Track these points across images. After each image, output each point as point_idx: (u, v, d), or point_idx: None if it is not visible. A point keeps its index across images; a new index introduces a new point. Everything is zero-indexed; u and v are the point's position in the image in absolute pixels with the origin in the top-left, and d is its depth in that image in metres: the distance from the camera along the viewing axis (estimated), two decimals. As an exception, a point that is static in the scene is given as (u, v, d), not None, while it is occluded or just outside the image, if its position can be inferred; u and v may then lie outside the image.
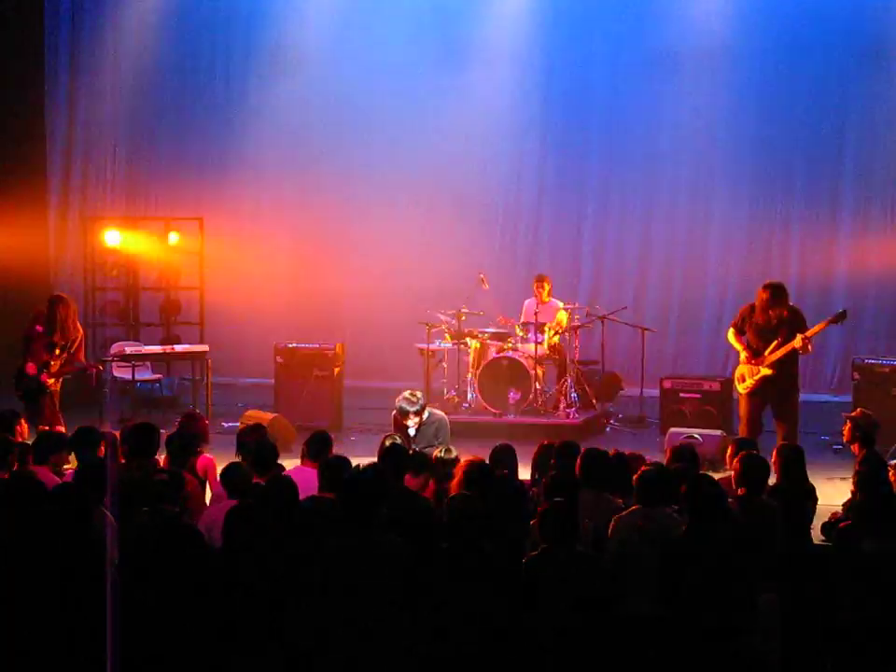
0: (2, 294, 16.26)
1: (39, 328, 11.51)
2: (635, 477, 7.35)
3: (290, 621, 6.37)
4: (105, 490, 7.40)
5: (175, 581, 6.30)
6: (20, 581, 6.04)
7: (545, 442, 8.66)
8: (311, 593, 6.37)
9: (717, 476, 7.88)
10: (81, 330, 11.80)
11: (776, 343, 10.87)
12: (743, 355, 11.11)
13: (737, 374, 11.23)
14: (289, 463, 8.90)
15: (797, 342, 10.80)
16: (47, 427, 10.44)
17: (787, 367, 10.96)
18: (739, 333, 11.21)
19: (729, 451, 8.64)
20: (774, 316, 10.93)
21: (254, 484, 7.51)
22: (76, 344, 11.60)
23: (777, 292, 10.96)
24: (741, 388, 11.13)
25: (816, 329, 10.99)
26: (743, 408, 11.16)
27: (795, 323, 10.94)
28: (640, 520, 7.10)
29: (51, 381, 11.49)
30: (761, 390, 10.99)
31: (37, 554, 6.08)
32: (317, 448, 8.42)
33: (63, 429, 10.41)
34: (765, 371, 10.91)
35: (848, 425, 9.27)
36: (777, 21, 16.36)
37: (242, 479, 7.67)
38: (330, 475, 7.48)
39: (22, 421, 9.52)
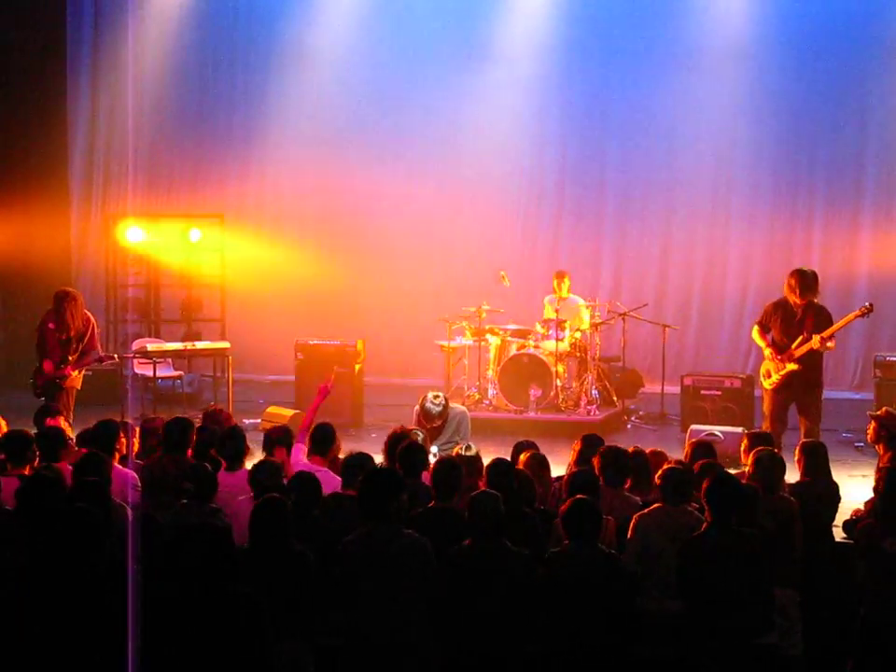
0: (25, 291, 16.32)
1: (51, 325, 11.55)
2: (657, 475, 7.35)
3: (318, 616, 6.40)
4: (104, 480, 7.42)
5: (202, 577, 6.32)
6: (39, 579, 6.05)
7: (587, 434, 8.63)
8: (335, 588, 6.39)
9: (734, 472, 7.86)
10: (92, 319, 11.81)
11: (802, 337, 10.78)
12: (767, 352, 11.03)
13: (763, 370, 11.14)
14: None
15: (814, 342, 10.70)
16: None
17: (812, 363, 10.88)
18: (764, 331, 11.14)
19: (743, 445, 8.60)
20: (800, 307, 10.84)
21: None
22: (87, 334, 11.62)
23: (807, 279, 10.87)
24: (766, 384, 11.05)
25: (842, 322, 10.87)
26: (767, 404, 11.08)
27: (820, 318, 10.85)
28: (662, 518, 7.09)
29: (74, 373, 11.53)
30: (786, 386, 10.91)
31: (57, 553, 6.08)
32: (321, 444, 8.44)
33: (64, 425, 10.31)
34: (791, 367, 10.81)
35: (873, 424, 9.17)
36: (797, 18, 16.29)
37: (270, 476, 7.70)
38: (353, 473, 7.49)
39: (61, 418, 9.60)
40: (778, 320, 10.97)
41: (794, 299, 10.86)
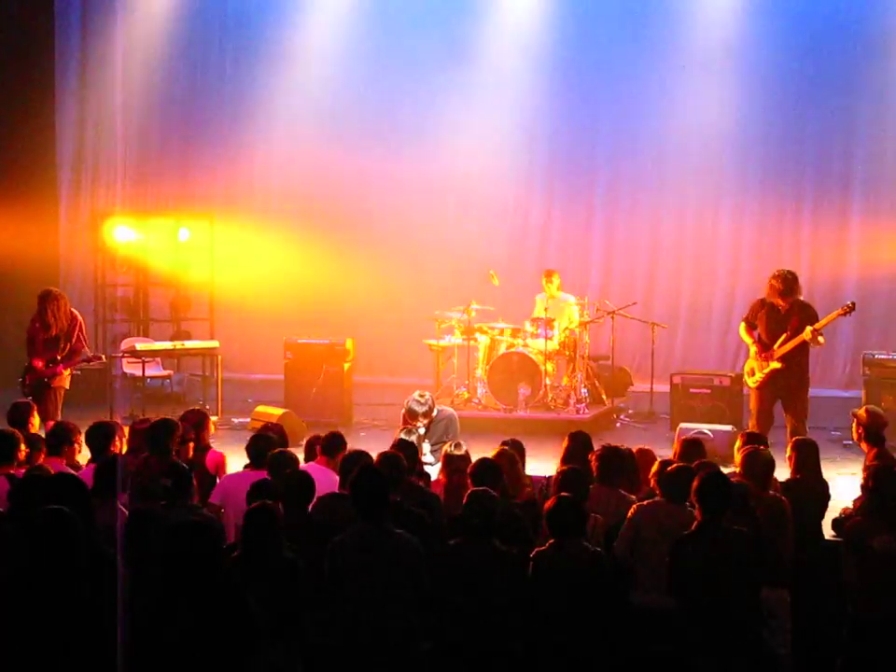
0: (13, 290, 16.26)
1: (38, 325, 11.55)
2: (655, 471, 7.36)
3: (308, 615, 6.39)
4: (118, 484, 7.43)
5: (191, 575, 6.31)
6: (25, 581, 6.03)
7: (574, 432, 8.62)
8: (326, 587, 6.39)
9: (725, 471, 7.86)
10: (79, 317, 11.78)
11: (785, 336, 10.85)
12: (753, 349, 11.09)
13: (747, 368, 11.22)
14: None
15: (806, 333, 10.76)
16: (51, 422, 10.43)
17: (797, 360, 10.93)
18: (751, 328, 11.19)
19: (738, 444, 8.61)
20: (784, 306, 10.90)
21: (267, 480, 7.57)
22: (75, 333, 11.60)
23: (788, 280, 10.92)
24: (751, 382, 11.12)
25: (825, 320, 10.94)
26: (753, 402, 11.15)
27: (805, 315, 10.91)
28: (660, 513, 7.10)
29: (66, 372, 11.51)
30: (770, 384, 10.96)
31: (42, 552, 6.07)
32: (333, 451, 8.47)
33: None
34: (775, 365, 10.88)
35: (855, 422, 9.20)
36: (784, 17, 16.27)
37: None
38: (347, 471, 7.50)
39: (35, 413, 9.59)
40: (764, 318, 11.03)
41: (778, 301, 10.91)
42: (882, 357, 13.59)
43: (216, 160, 17.75)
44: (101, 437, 8.51)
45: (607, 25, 16.77)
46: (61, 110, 17.58)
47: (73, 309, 11.82)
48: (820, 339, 10.92)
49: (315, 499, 7.37)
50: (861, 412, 9.27)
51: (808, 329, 10.76)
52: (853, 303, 11.09)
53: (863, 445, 9.17)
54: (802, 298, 11.09)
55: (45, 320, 11.49)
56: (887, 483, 7.34)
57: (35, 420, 9.50)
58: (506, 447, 8.29)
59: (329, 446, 8.53)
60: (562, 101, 17.07)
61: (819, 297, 13.78)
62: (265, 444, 8.38)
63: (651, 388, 14.54)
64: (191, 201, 17.45)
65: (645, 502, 7.25)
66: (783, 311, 10.93)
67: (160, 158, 17.97)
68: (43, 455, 8.52)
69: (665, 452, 9.25)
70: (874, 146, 16.26)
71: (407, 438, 8.98)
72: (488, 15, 16.97)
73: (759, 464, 7.69)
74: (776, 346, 10.90)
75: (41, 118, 17.25)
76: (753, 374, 11.07)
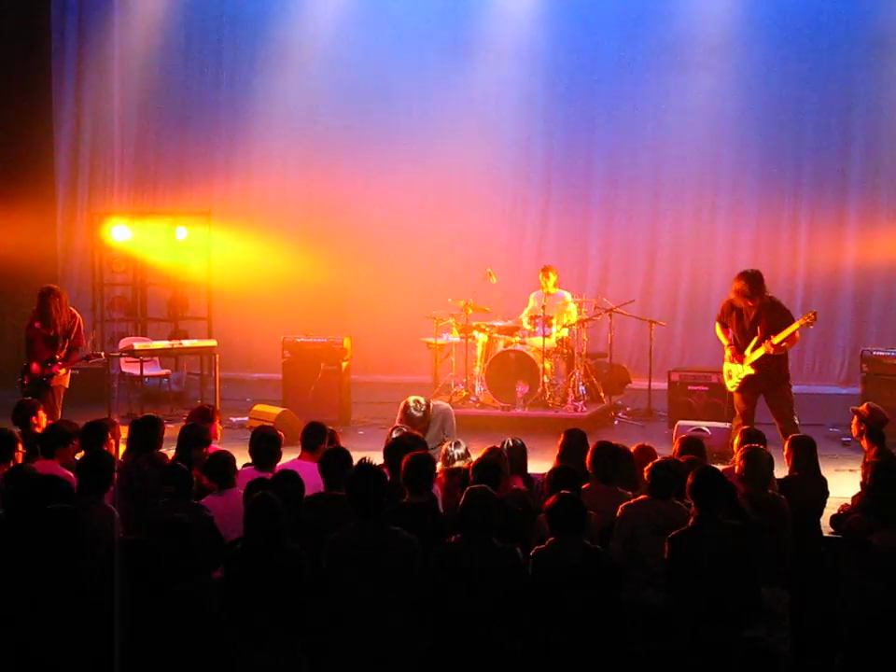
0: (12, 290, 16.27)
1: (37, 324, 11.53)
2: (645, 469, 7.34)
3: (308, 613, 6.39)
4: (107, 480, 7.42)
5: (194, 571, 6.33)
6: (17, 577, 6.04)
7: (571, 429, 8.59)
8: (323, 586, 6.38)
9: (722, 468, 7.86)
10: (78, 316, 11.78)
11: (756, 339, 10.71)
12: (728, 352, 10.97)
13: (725, 371, 11.09)
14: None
15: (767, 347, 10.62)
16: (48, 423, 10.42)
17: (771, 362, 10.79)
18: (725, 328, 11.08)
19: (736, 441, 8.59)
20: (752, 308, 10.76)
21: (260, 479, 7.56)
22: (73, 332, 11.60)
23: (752, 281, 10.79)
24: (729, 386, 11.01)
25: (787, 332, 10.67)
26: (735, 403, 11.05)
27: (774, 315, 10.75)
28: (649, 510, 7.09)
29: (62, 371, 11.50)
30: (748, 386, 10.84)
31: (30, 550, 6.07)
32: (312, 440, 8.42)
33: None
34: (748, 371, 10.76)
35: (855, 419, 9.17)
36: (783, 13, 16.32)
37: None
38: (330, 470, 7.47)
39: (40, 412, 9.58)
40: (734, 320, 10.91)
41: (745, 302, 10.78)
42: (880, 353, 13.58)
43: (213, 158, 17.77)
44: (93, 435, 8.49)
45: (603, 23, 16.81)
46: (58, 110, 17.58)
47: (72, 308, 11.83)
48: (784, 345, 10.75)
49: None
50: (862, 408, 9.24)
51: (767, 343, 10.60)
52: (815, 313, 10.89)
53: (864, 442, 9.13)
54: (770, 295, 10.92)
55: (46, 317, 11.47)
56: (887, 479, 7.34)
57: (41, 419, 9.49)
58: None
59: (308, 439, 8.47)
60: (559, 99, 17.10)
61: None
62: (271, 445, 8.24)
63: (650, 386, 14.53)
64: (188, 200, 17.45)
65: (631, 501, 7.23)
66: (751, 313, 10.78)
67: (157, 157, 17.99)
68: (39, 456, 8.53)
69: (664, 449, 9.24)
70: (870, 144, 16.31)
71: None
72: (485, 14, 16.99)
73: (759, 463, 7.67)
74: (747, 352, 10.78)
75: (39, 118, 17.24)
76: (731, 378, 10.99)
